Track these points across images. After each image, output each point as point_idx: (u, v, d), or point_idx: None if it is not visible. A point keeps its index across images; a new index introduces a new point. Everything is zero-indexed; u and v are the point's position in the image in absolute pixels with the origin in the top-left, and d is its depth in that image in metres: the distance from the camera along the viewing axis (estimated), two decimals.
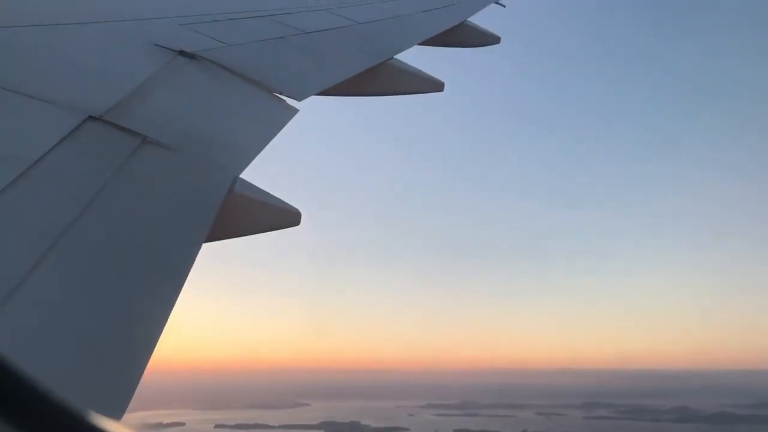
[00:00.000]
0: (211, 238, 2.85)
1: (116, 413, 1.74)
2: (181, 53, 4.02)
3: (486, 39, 8.50)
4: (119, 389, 1.85)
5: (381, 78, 5.83)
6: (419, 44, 6.83)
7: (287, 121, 3.97)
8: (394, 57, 5.99)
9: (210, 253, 2.85)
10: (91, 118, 2.87)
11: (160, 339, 2.05)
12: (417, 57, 6.40)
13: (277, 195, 3.44)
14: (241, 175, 3.20)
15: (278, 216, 3.46)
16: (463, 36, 8.14)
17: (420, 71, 6.30)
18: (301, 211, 3.52)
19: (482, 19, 8.57)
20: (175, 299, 2.28)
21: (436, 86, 6.52)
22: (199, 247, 2.59)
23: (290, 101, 4.22)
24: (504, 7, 9.74)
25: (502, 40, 8.64)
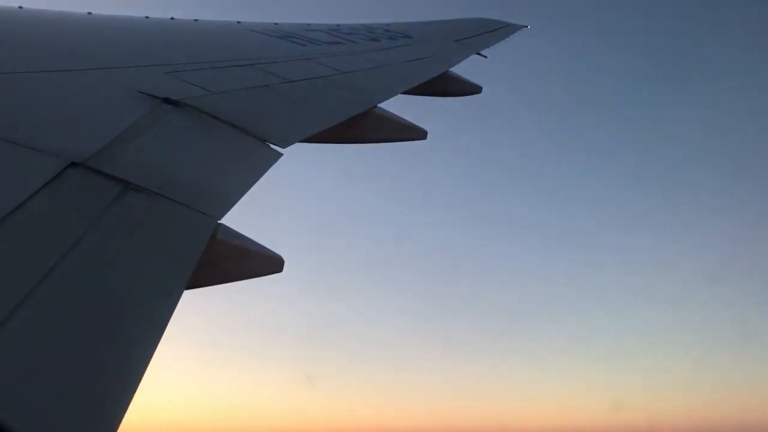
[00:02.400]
0: (192, 285, 2.81)
1: None
2: (166, 100, 4.04)
3: (468, 88, 8.67)
4: None
5: (365, 126, 5.88)
6: (403, 93, 6.94)
7: (271, 165, 3.98)
8: (378, 105, 6.07)
9: (192, 300, 2.81)
10: (73, 164, 2.86)
11: (138, 391, 2.00)
12: (400, 105, 6.49)
13: (260, 242, 3.43)
14: (225, 222, 3.18)
15: (261, 262, 3.44)
16: (445, 85, 8.28)
17: (403, 119, 6.37)
18: (284, 257, 3.51)
19: (464, 69, 8.75)
20: (155, 347, 2.23)
21: (419, 134, 6.60)
22: (180, 295, 2.55)
23: (275, 148, 4.23)
24: (485, 57, 9.97)
25: (483, 89, 8.81)
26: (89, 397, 1.94)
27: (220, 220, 3.17)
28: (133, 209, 2.86)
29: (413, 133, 6.53)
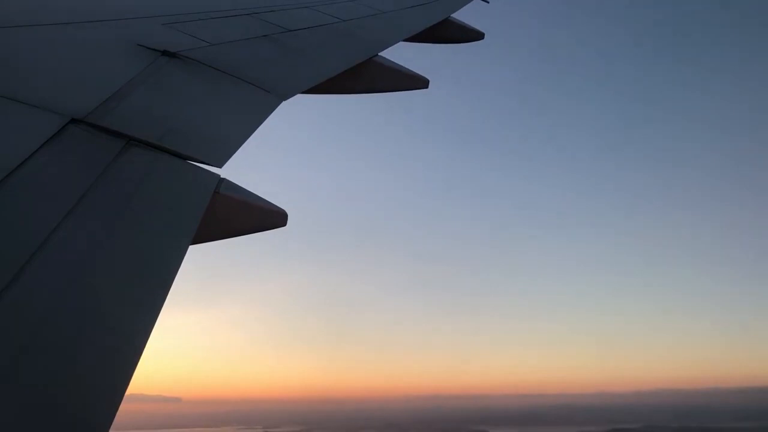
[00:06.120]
0: (197, 240, 2.83)
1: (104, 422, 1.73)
2: (165, 53, 3.99)
3: (470, 35, 8.50)
4: (105, 398, 1.83)
5: (366, 75, 5.81)
6: (404, 41, 6.82)
7: (270, 112, 3.96)
8: (379, 54, 5.98)
9: (197, 254, 2.84)
10: (74, 120, 2.84)
11: (147, 344, 2.04)
12: (401, 54, 6.39)
13: (263, 196, 3.43)
14: (228, 176, 3.19)
15: (265, 217, 3.45)
16: (447, 32, 8.13)
17: (405, 68, 6.29)
18: (287, 211, 3.52)
19: (466, 15, 8.58)
20: (163, 302, 2.26)
21: (421, 83, 6.51)
22: (185, 250, 2.58)
23: (275, 99, 4.20)
24: (488, 2, 9.76)
25: (486, 35, 8.65)
26: (99, 351, 1.98)
27: (221, 167, 3.18)
28: (136, 165, 2.86)
29: (415, 82, 6.45)
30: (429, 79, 6.54)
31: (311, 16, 6.21)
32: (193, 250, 2.69)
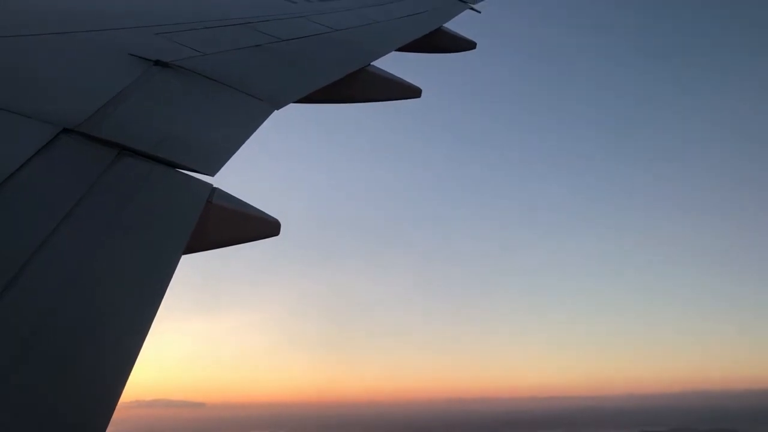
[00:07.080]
0: (189, 250, 2.82)
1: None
2: (157, 62, 3.99)
3: (462, 45, 8.56)
4: (99, 405, 1.82)
5: (358, 85, 5.83)
6: (396, 50, 6.85)
7: (263, 121, 3.96)
8: (372, 63, 6.00)
9: (190, 265, 2.83)
10: (66, 130, 2.83)
11: (138, 356, 2.03)
12: (394, 63, 6.42)
13: (256, 205, 3.43)
14: (220, 185, 3.19)
15: (258, 226, 3.44)
16: (439, 42, 8.18)
17: (397, 78, 6.31)
18: (280, 220, 3.52)
19: (458, 25, 8.64)
20: (155, 312, 2.25)
21: (413, 92, 6.54)
22: (178, 260, 2.57)
23: (268, 108, 4.20)
24: (479, 12, 9.81)
25: (477, 45, 8.70)
26: (93, 359, 1.97)
27: (213, 176, 3.17)
28: (128, 175, 2.85)
29: (407, 91, 6.47)
30: (421, 88, 6.57)
31: (304, 25, 6.23)
32: (189, 259, 2.68)
